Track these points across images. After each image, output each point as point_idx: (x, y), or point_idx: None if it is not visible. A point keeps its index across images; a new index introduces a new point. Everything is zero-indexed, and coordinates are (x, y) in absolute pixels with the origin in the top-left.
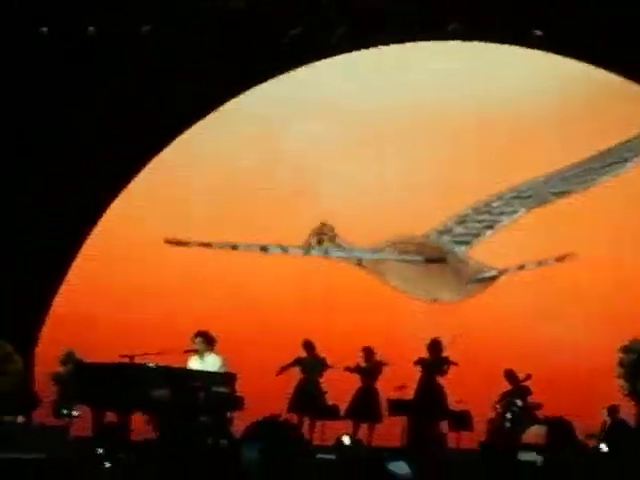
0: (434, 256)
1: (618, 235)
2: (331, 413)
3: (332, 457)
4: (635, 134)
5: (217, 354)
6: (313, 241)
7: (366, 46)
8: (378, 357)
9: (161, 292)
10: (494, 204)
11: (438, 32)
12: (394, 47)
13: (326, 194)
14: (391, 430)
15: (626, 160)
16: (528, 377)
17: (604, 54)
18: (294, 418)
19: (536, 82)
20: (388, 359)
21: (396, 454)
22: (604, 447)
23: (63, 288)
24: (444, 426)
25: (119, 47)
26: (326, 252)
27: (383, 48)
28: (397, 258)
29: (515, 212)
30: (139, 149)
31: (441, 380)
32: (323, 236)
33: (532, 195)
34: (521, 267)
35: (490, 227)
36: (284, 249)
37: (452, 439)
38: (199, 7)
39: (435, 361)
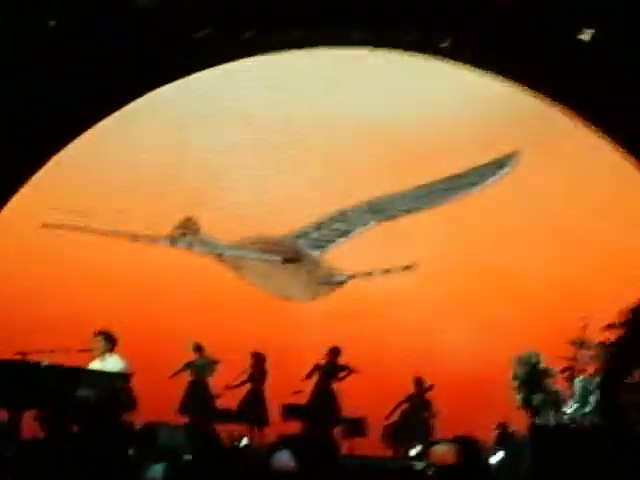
0: (290, 256)
1: (505, 241)
2: (223, 416)
3: None
4: (486, 162)
5: (119, 357)
6: (177, 233)
7: (272, 49)
8: (268, 364)
9: (61, 285)
10: (349, 214)
11: (344, 40)
12: (297, 53)
13: (202, 188)
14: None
15: (473, 184)
16: (431, 387)
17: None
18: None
19: (440, 94)
20: (281, 363)
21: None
22: (494, 459)
23: None
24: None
25: (25, 40)
26: (190, 245)
27: (286, 54)
28: (258, 256)
29: (367, 223)
30: (42, 145)
31: (336, 387)
32: (186, 230)
33: (383, 210)
34: (369, 274)
35: (344, 234)
36: (154, 239)
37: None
38: (106, 3)
39: (332, 368)
